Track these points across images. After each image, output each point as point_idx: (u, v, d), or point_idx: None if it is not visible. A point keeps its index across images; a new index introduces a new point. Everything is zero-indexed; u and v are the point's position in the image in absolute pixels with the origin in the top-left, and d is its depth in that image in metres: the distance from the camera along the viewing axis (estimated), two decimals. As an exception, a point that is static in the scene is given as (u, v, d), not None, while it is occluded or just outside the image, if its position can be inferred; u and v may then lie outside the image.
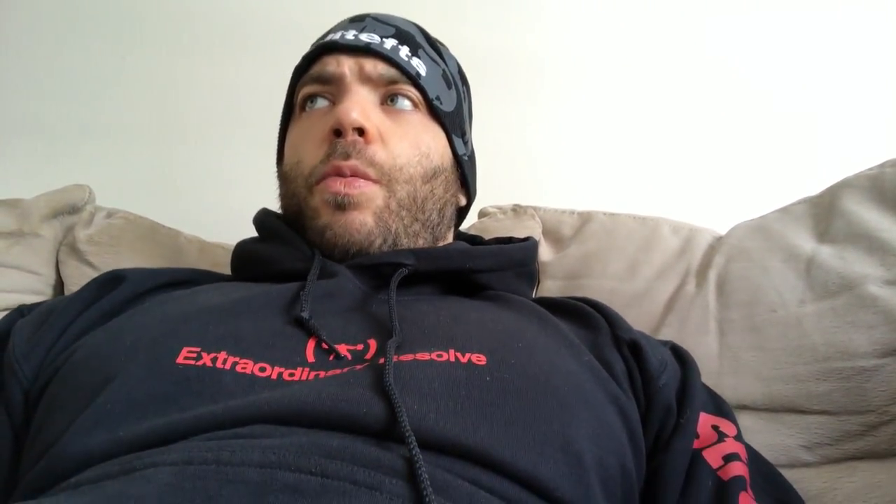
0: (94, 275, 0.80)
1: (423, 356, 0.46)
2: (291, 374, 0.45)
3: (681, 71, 1.11)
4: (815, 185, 0.75)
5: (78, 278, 0.82)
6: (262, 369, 0.45)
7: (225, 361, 0.45)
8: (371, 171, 0.59)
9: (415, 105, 0.64)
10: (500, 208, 0.92)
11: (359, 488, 0.35)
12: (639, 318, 0.74)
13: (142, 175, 1.17)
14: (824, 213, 0.72)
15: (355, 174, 0.58)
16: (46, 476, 0.40)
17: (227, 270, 0.67)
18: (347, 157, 0.58)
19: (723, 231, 0.79)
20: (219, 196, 1.15)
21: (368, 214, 0.58)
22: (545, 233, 0.87)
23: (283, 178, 0.65)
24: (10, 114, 1.19)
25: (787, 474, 0.61)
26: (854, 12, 1.08)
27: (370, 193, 0.59)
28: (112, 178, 1.13)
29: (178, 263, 0.85)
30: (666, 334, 0.71)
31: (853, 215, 0.69)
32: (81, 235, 0.83)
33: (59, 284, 0.83)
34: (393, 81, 0.62)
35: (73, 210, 0.87)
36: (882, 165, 0.71)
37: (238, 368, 0.44)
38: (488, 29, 1.15)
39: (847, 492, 0.59)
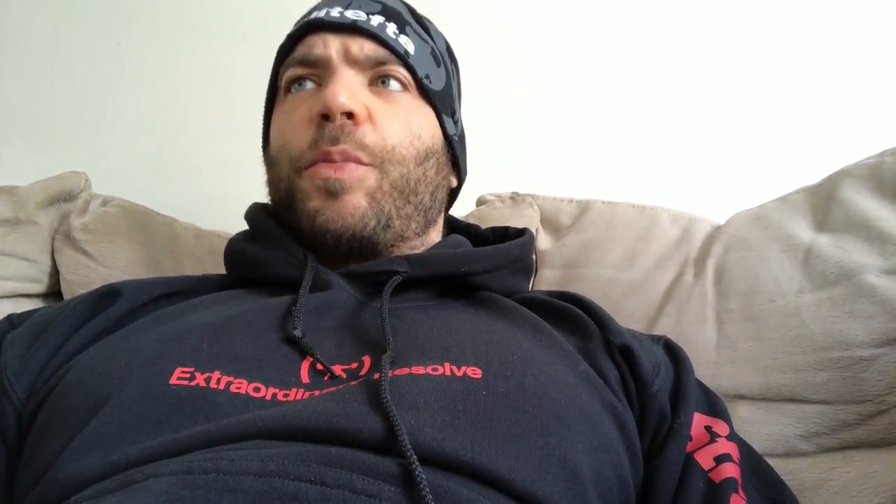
0: (90, 264, 0.81)
1: (418, 370, 0.46)
2: (286, 395, 0.44)
3: (680, 60, 1.10)
4: (814, 174, 0.75)
5: (73, 267, 0.82)
6: (257, 389, 0.44)
7: (219, 381, 0.44)
8: (362, 155, 0.57)
9: (404, 86, 0.62)
10: (498, 196, 0.91)
11: (358, 496, 0.35)
12: (637, 308, 0.74)
13: (138, 162, 1.17)
14: (823, 202, 0.72)
15: (346, 158, 0.57)
16: (41, 503, 0.40)
17: (223, 258, 0.66)
18: (336, 141, 0.57)
19: (721, 220, 0.79)
20: (215, 183, 1.14)
21: (361, 196, 0.57)
22: (543, 221, 0.86)
23: (270, 162, 0.64)
24: (6, 101, 1.18)
25: (784, 464, 0.61)
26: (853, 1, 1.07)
27: (361, 176, 0.57)
28: (108, 165, 1.13)
29: (173, 252, 0.85)
30: (664, 324, 0.71)
31: (852, 204, 0.69)
32: (76, 224, 0.83)
33: (55, 272, 0.83)
34: (381, 62, 0.61)
35: (70, 197, 0.87)
36: (881, 154, 0.70)
37: (232, 389, 0.44)
38: (488, 17, 1.14)
39: (843, 482, 0.60)
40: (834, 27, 1.07)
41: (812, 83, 1.07)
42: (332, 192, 0.57)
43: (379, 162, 0.58)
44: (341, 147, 0.57)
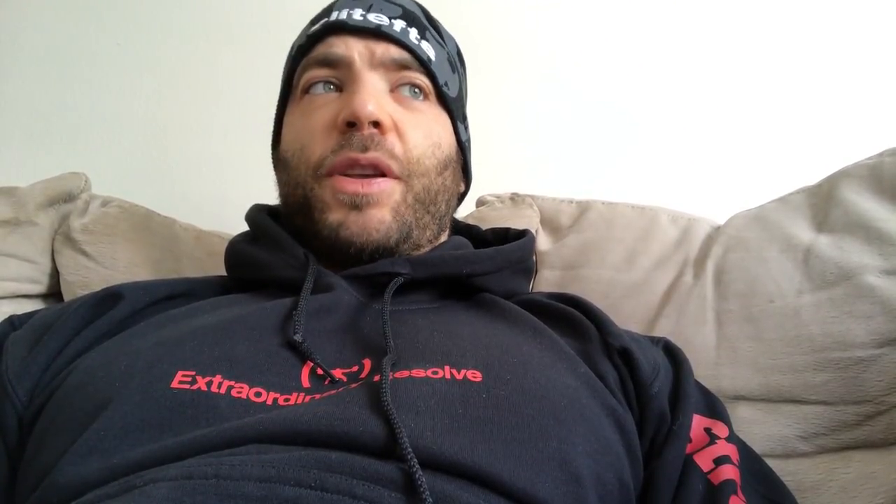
0: (90, 265, 0.81)
1: (419, 373, 0.46)
2: (287, 400, 0.44)
3: (680, 60, 1.10)
4: (814, 175, 0.75)
5: (73, 268, 0.81)
6: (258, 394, 0.44)
7: (220, 385, 0.44)
8: (393, 165, 0.57)
9: (425, 94, 0.62)
10: (498, 197, 0.91)
11: (358, 501, 0.35)
12: (636, 309, 0.74)
13: (138, 163, 1.17)
14: (822, 202, 0.72)
15: (377, 166, 0.57)
16: None
17: (223, 259, 0.66)
18: (366, 149, 0.56)
19: (721, 221, 0.79)
20: (215, 184, 1.14)
21: (387, 211, 0.57)
22: (543, 222, 0.86)
23: (283, 163, 0.63)
24: (6, 100, 1.18)
25: (784, 465, 0.61)
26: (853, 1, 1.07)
27: (389, 190, 0.57)
28: (108, 166, 1.13)
29: (173, 252, 0.85)
30: (663, 325, 0.71)
31: (851, 205, 0.69)
32: (76, 224, 0.83)
33: (55, 273, 0.83)
34: (405, 66, 0.61)
35: (69, 198, 0.87)
36: (881, 154, 0.70)
37: (233, 393, 0.44)
38: (488, 16, 1.14)
39: (842, 483, 0.60)
40: (834, 27, 1.07)
41: (812, 83, 1.07)
42: (357, 206, 0.56)
43: (406, 175, 0.58)
44: (371, 155, 0.56)
